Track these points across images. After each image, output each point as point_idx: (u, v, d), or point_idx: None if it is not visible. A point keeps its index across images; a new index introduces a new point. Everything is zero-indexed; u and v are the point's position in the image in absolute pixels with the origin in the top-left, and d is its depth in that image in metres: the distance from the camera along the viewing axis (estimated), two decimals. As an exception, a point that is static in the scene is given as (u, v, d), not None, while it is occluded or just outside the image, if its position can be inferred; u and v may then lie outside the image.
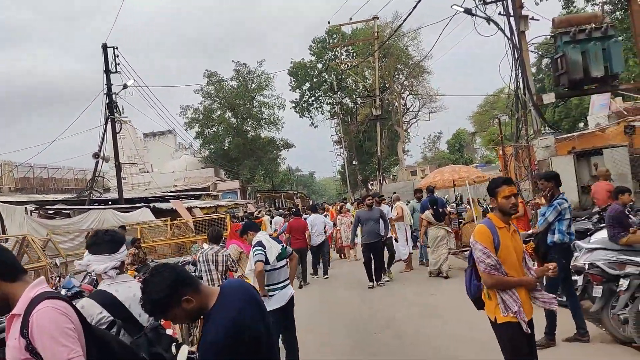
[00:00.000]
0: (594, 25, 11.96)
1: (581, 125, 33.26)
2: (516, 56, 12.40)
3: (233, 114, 51.38)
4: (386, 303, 9.76)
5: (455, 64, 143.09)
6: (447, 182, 15.04)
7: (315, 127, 57.41)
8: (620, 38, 12.48)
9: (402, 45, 49.91)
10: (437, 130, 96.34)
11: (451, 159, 60.45)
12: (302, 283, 12.98)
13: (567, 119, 36.98)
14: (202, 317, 2.49)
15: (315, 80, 54.29)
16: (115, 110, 21.59)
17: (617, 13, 25.92)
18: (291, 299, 6.24)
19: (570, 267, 7.35)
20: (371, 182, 55.08)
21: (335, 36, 47.78)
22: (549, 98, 12.24)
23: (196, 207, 22.27)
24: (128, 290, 3.02)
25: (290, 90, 55.05)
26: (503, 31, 12.49)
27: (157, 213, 19.45)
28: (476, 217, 14.44)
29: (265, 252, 6.10)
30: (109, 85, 21.56)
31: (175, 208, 19.01)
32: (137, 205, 19.64)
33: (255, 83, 51.32)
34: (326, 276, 13.89)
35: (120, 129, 22.08)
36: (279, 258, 6.21)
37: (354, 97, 52.93)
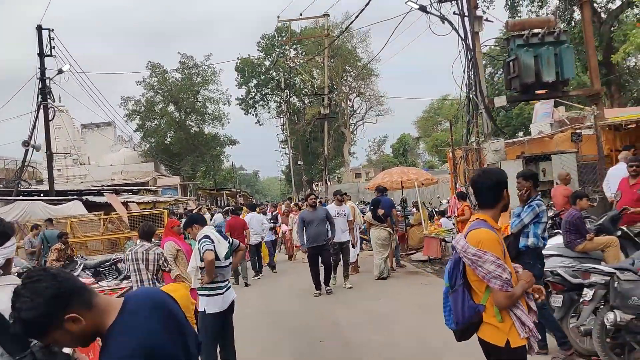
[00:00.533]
0: (547, 29, 11.88)
1: (521, 134, 33.95)
2: (469, 57, 12.18)
3: (176, 108, 49.96)
4: (332, 308, 9.25)
5: (404, 69, 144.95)
6: (395, 183, 14.72)
7: (261, 125, 56.58)
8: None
9: (351, 47, 49.96)
10: (383, 134, 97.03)
11: (395, 163, 60.94)
12: (245, 283, 12.62)
13: (507, 127, 37.69)
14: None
15: (262, 77, 53.55)
16: (48, 96, 20.28)
17: (562, 25, 26.45)
18: (232, 303, 5.64)
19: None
20: (316, 183, 54.79)
21: (284, 34, 47.19)
22: (500, 101, 12.08)
23: (133, 202, 21.17)
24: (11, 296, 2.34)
25: (236, 86, 54.18)
26: (457, 31, 12.26)
27: (91, 207, 18.33)
28: (423, 220, 14.21)
29: (214, 245, 5.46)
30: (42, 69, 20.21)
31: (110, 202, 17.94)
32: (69, 197, 18.43)
33: (201, 77, 50.02)
34: (261, 274, 13.66)
35: (54, 117, 20.72)
36: (226, 256, 5.60)
37: (302, 96, 52.48)
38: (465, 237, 3.07)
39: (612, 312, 4.74)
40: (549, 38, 11.92)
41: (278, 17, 31.85)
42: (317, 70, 48.38)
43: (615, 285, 4.82)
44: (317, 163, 51.02)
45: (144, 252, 6.53)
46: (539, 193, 5.84)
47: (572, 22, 26.82)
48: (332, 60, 45.61)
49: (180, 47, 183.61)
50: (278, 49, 50.88)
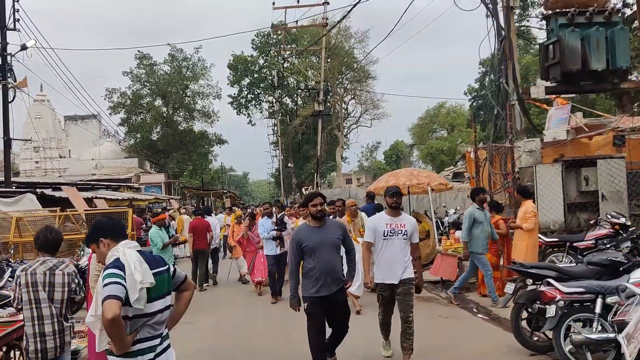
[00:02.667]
0: (596, 7, 9.80)
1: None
2: (501, 38, 10.07)
3: (164, 102, 47.56)
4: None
5: (403, 71, 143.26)
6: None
7: (253, 125, 54.48)
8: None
9: (348, 47, 48.10)
10: (377, 139, 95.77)
11: (387, 170, 58.94)
12: (199, 288, 11.60)
13: (500, 138, 35.67)
14: None
15: (255, 76, 51.53)
16: (9, 75, 18.02)
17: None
18: None
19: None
20: (306, 187, 52.67)
21: (280, 32, 45.20)
22: (537, 91, 9.97)
23: (101, 197, 18.82)
24: None
25: (228, 84, 52.05)
26: (487, 5, 10.14)
27: (48, 202, 16.00)
28: (429, 231, 12.08)
29: (124, 280, 2.94)
30: (3, 44, 17.93)
31: (69, 197, 15.60)
32: (23, 190, 16.11)
33: (191, 70, 47.65)
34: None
35: (14, 97, 18.45)
36: (156, 294, 3.08)
37: (294, 96, 50.49)
38: None
39: None
40: (598, 18, 9.86)
41: (273, 3, 29.77)
42: (312, 71, 46.47)
43: None
44: (307, 167, 49.10)
45: (47, 272, 4.28)
46: None
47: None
48: (328, 61, 43.67)
49: (173, 41, 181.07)
50: (273, 47, 48.88)
